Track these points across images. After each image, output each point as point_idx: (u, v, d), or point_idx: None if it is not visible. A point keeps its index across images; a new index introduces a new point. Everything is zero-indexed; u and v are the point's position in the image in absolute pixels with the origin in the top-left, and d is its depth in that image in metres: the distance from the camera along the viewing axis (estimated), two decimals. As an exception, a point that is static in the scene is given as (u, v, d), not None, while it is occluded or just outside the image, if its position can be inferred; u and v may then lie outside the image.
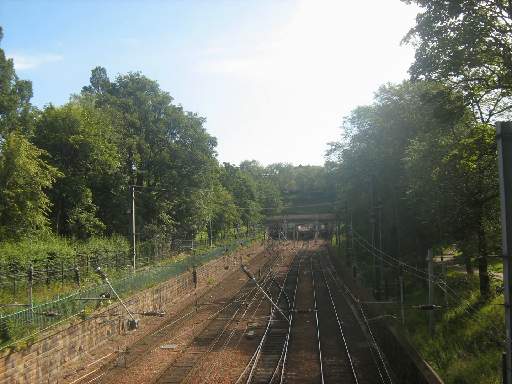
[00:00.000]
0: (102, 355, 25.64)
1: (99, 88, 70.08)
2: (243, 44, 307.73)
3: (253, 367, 22.74)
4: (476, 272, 28.87)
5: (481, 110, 28.94)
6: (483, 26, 22.09)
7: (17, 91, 37.93)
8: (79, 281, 28.12)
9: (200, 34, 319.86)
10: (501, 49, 22.48)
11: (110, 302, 28.13)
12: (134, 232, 39.04)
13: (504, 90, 24.65)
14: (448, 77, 25.72)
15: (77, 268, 28.74)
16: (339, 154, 67.32)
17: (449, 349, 19.32)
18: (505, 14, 21.71)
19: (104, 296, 26.63)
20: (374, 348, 24.91)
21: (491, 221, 25.95)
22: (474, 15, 21.92)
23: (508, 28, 21.99)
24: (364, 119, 57.16)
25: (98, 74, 71.05)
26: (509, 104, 28.74)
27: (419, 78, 25.55)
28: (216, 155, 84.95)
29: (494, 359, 16.22)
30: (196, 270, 41.81)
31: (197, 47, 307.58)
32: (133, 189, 39.54)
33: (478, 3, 21.86)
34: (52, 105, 41.65)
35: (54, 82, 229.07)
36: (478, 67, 25.01)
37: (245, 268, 30.03)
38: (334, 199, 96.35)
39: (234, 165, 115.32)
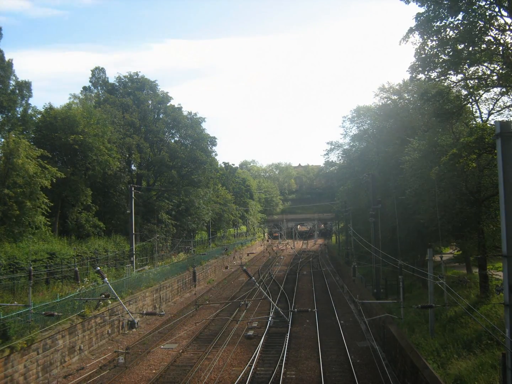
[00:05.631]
0: (102, 355, 25.64)
1: (98, 88, 69.93)
2: (242, 44, 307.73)
3: (252, 367, 22.74)
4: (476, 271, 28.91)
5: (481, 109, 28.88)
6: (482, 25, 22.07)
7: (17, 91, 37.84)
8: (79, 281, 28.12)
9: (199, 30, 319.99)
10: (501, 48, 22.46)
11: (110, 302, 28.13)
12: (133, 232, 39.02)
13: (503, 89, 24.63)
14: (448, 76, 25.70)
15: (77, 268, 28.74)
16: (338, 153, 67.26)
17: (448, 348, 19.35)
18: (504, 13, 21.69)
19: (103, 296, 26.63)
20: (373, 347, 24.92)
21: (491, 220, 25.97)
22: (474, 14, 21.89)
23: (507, 27, 21.97)
24: (364, 118, 57.08)
25: (97, 74, 70.85)
26: (508, 103, 28.68)
27: (418, 77, 25.54)
28: (216, 154, 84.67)
29: (493, 358, 16.25)
30: (195, 269, 41.83)
31: (195, 42, 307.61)
32: (133, 189, 39.52)
33: (478, 2, 21.84)
34: (52, 105, 41.77)
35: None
36: (477, 66, 24.96)
37: (244, 267, 30.06)
38: (333, 199, 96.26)
39: (234, 164, 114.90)
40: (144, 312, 30.15)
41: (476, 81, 25.27)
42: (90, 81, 68.88)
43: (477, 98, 26.90)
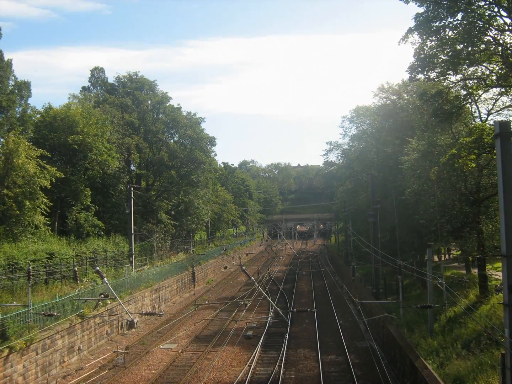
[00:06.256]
0: (101, 355, 25.61)
1: (98, 88, 69.87)
2: (241, 43, 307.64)
3: (252, 367, 22.73)
4: (475, 271, 28.91)
5: (480, 109, 28.85)
6: (481, 26, 22.06)
7: (16, 91, 37.78)
8: (78, 281, 28.10)
9: (199, 29, 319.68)
10: (500, 48, 22.45)
11: (109, 302, 28.11)
12: (133, 232, 38.98)
13: (502, 90, 24.62)
14: (447, 76, 25.66)
15: (76, 268, 28.73)
16: (337, 153, 67.24)
17: (447, 348, 19.35)
18: (504, 13, 21.69)
19: (103, 296, 26.62)
20: (373, 347, 24.93)
21: (490, 220, 25.97)
22: (473, 14, 21.89)
23: (506, 28, 21.97)
24: (363, 118, 57.06)
25: (96, 74, 70.81)
26: (507, 103, 28.66)
27: (417, 77, 25.51)
28: (215, 155, 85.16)
29: (493, 358, 16.24)
30: (195, 269, 41.77)
31: (195, 40, 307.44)
32: (132, 189, 39.48)
33: (477, 3, 21.83)
34: (51, 105, 41.71)
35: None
36: (476, 67, 24.93)
37: (244, 267, 30.06)
38: (333, 199, 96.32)
39: (233, 164, 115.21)
40: (143, 312, 30.20)
41: (475, 81, 25.27)
42: (89, 81, 68.88)
43: (476, 98, 26.89)
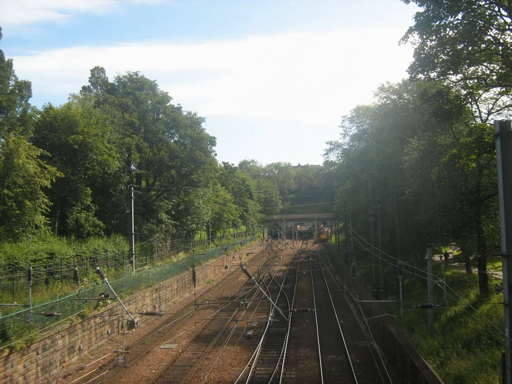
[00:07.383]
0: (102, 355, 25.62)
1: (98, 88, 69.93)
2: (242, 44, 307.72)
3: (252, 366, 22.73)
4: (475, 270, 28.93)
5: (480, 109, 28.83)
6: (482, 25, 22.07)
7: (16, 91, 37.80)
8: (78, 281, 28.09)
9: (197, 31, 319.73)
10: (500, 48, 22.46)
11: (110, 302, 28.12)
12: (133, 232, 38.99)
13: (503, 89, 24.62)
14: (447, 76, 25.68)
15: (76, 268, 28.71)
16: (338, 153, 67.25)
17: (448, 347, 19.35)
18: (504, 13, 21.70)
19: (103, 296, 26.60)
20: (373, 347, 24.91)
21: (490, 220, 26.00)
22: (473, 14, 21.89)
23: (507, 27, 21.98)
24: (363, 118, 57.10)
25: (97, 74, 70.88)
26: (508, 103, 28.65)
27: (418, 77, 25.52)
28: (215, 154, 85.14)
29: (493, 358, 16.26)
30: (195, 269, 41.80)
31: (197, 41, 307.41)
32: (132, 188, 39.49)
33: (477, 2, 21.83)
34: (51, 105, 41.71)
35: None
36: (477, 66, 24.94)
37: (244, 267, 30.04)
38: (333, 199, 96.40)
39: (233, 164, 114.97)
40: (144, 312, 30.18)
41: (476, 80, 25.27)
42: (89, 81, 68.91)
43: (476, 97, 26.88)
